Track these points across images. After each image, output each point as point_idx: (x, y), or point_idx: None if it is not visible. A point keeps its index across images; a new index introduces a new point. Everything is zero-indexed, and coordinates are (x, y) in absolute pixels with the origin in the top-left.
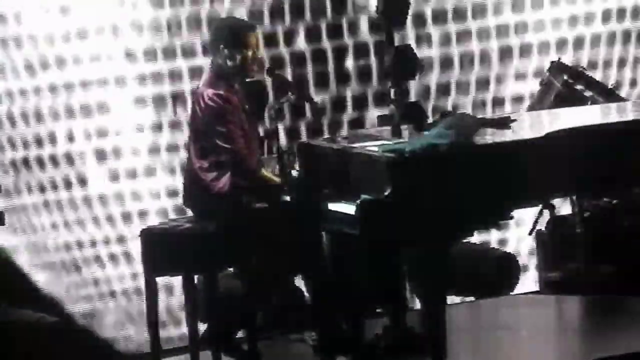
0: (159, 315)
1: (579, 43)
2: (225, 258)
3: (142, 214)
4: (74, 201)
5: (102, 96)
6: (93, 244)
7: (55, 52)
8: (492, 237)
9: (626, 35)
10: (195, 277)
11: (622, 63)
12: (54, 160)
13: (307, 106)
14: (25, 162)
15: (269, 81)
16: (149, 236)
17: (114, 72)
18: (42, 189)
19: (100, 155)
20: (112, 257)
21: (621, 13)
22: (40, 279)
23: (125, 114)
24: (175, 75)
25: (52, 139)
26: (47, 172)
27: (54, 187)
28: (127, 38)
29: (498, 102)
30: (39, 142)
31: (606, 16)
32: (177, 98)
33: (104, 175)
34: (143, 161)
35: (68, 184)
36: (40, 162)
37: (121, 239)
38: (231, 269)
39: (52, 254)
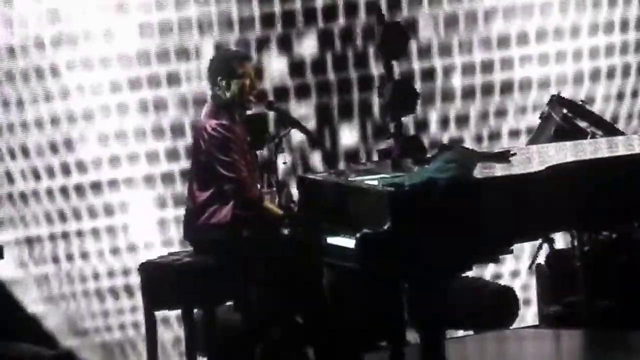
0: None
1: (579, 78)
2: (224, 291)
3: (144, 246)
4: (70, 234)
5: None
6: (94, 277)
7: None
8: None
9: (626, 69)
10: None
11: (620, 97)
12: (50, 193)
13: (306, 139)
14: (22, 195)
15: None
16: (148, 270)
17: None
18: (38, 222)
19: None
20: (112, 290)
21: (624, 48)
22: (39, 312)
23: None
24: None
25: (50, 172)
26: (44, 204)
27: (51, 220)
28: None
29: (497, 136)
30: (35, 175)
31: (610, 51)
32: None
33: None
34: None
35: (64, 217)
36: (37, 194)
37: (121, 272)
38: (230, 303)
39: (51, 287)
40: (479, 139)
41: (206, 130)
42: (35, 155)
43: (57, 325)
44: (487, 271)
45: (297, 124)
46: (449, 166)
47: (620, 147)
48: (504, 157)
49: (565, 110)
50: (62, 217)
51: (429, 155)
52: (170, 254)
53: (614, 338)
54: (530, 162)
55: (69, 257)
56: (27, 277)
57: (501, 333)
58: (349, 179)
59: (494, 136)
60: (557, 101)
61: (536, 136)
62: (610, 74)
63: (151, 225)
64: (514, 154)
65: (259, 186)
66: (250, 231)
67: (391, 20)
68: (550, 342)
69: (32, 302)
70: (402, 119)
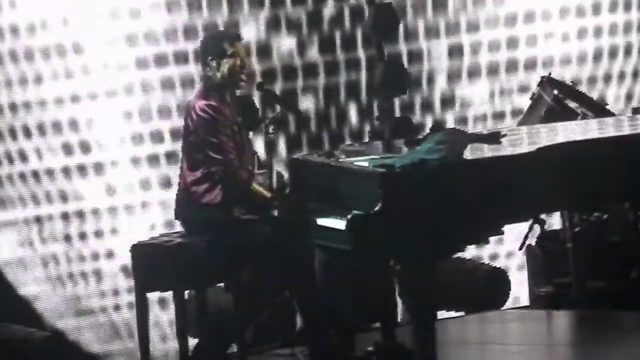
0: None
1: (569, 59)
2: (215, 272)
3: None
4: (64, 215)
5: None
6: (84, 258)
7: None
8: (483, 252)
9: (614, 51)
10: (186, 292)
11: (609, 78)
12: (36, 175)
13: (296, 119)
14: (9, 177)
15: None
16: (139, 251)
17: (102, 84)
18: (25, 204)
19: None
20: (101, 272)
21: (613, 29)
22: (31, 293)
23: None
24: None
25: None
26: (33, 186)
27: (38, 201)
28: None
29: (489, 117)
30: (23, 156)
31: (598, 32)
32: None
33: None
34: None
35: (51, 199)
36: (24, 177)
37: (112, 254)
38: (222, 284)
39: (42, 269)
40: (464, 120)
41: (195, 110)
42: (24, 137)
43: (50, 307)
44: (485, 252)
45: (287, 105)
46: (440, 147)
47: (610, 128)
48: (494, 138)
49: (556, 92)
50: (48, 199)
51: (419, 136)
52: (162, 234)
53: (605, 318)
54: (521, 143)
55: (64, 239)
56: (20, 258)
57: (492, 314)
58: (340, 160)
59: (481, 118)
60: (547, 82)
61: (527, 117)
62: (599, 56)
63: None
64: (505, 135)
65: (251, 167)
66: (241, 211)
67: (382, 2)
68: (541, 323)
69: (24, 283)
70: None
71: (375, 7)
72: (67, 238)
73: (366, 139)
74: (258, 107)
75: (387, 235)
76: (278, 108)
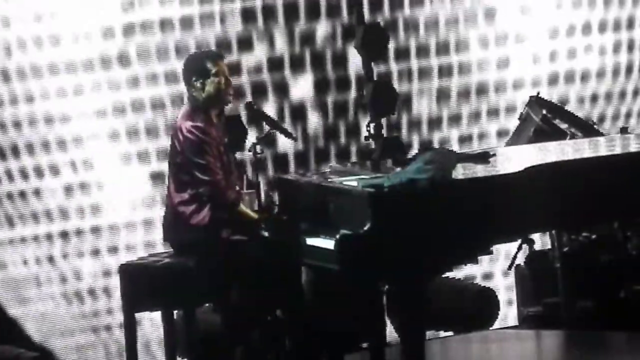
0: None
1: (557, 78)
2: (204, 293)
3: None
4: (53, 235)
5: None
6: (76, 277)
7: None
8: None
9: (602, 71)
10: (175, 312)
11: (596, 98)
12: (23, 194)
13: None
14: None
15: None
16: (127, 271)
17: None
18: (13, 224)
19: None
20: (93, 292)
21: (602, 50)
22: (20, 314)
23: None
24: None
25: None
26: (23, 206)
27: (25, 221)
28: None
29: (477, 137)
30: (9, 176)
31: (587, 50)
32: None
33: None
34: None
35: (41, 218)
36: (11, 196)
37: (104, 273)
38: (210, 304)
39: (32, 289)
40: (459, 140)
41: (181, 131)
42: (12, 156)
43: (38, 326)
44: (478, 270)
45: (276, 125)
46: (428, 167)
47: (599, 147)
48: (483, 158)
49: (544, 111)
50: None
51: (408, 156)
52: (150, 255)
53: (594, 338)
54: (510, 163)
55: (49, 260)
56: (9, 277)
57: (481, 334)
58: (329, 179)
59: (468, 138)
60: (536, 102)
61: (515, 137)
62: (588, 75)
63: (131, 227)
64: (494, 155)
65: (238, 188)
66: (229, 232)
67: (371, 21)
68: (530, 343)
69: (12, 303)
70: (382, 119)
71: (364, 27)
72: (51, 259)
73: (355, 159)
74: (246, 127)
75: (376, 255)
76: (266, 127)
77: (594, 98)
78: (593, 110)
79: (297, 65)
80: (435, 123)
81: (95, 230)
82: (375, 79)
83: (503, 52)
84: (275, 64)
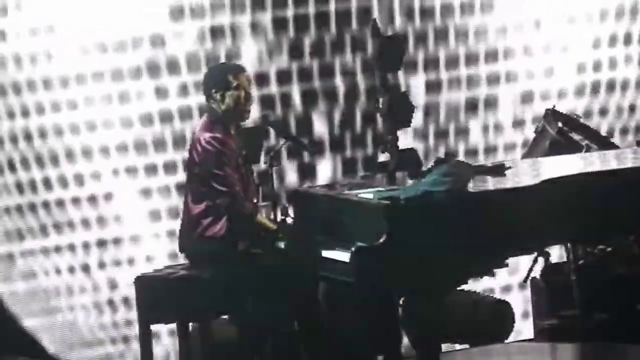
0: None
1: (574, 91)
2: (220, 305)
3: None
4: (57, 248)
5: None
6: (85, 289)
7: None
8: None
9: (624, 84)
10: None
11: (618, 111)
12: (33, 207)
13: (302, 151)
14: (19, 207)
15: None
16: (143, 283)
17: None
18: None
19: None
20: (109, 303)
21: (612, 64)
22: (32, 325)
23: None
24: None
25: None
26: (36, 217)
27: (34, 234)
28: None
29: (493, 149)
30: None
31: (596, 66)
32: None
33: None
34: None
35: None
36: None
37: (116, 285)
38: (226, 316)
39: (44, 301)
40: (475, 152)
41: (200, 143)
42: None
43: (54, 339)
44: (497, 283)
45: (292, 137)
46: (445, 179)
47: (615, 160)
48: (499, 170)
49: (560, 124)
50: (44, 230)
51: (424, 169)
52: (166, 267)
53: (610, 351)
54: (526, 175)
55: (62, 271)
56: (23, 290)
57: (496, 346)
58: (344, 192)
59: (490, 150)
60: (552, 115)
61: (531, 150)
62: (604, 88)
63: (148, 237)
64: (510, 168)
65: (255, 200)
66: (246, 244)
67: (388, 34)
68: (546, 356)
69: (27, 315)
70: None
71: (381, 40)
72: (62, 270)
73: (371, 171)
74: (264, 139)
75: (392, 267)
76: (281, 140)
77: (605, 111)
78: (615, 124)
79: (324, 74)
80: (458, 134)
81: (117, 241)
82: (391, 91)
83: (518, 66)
84: (304, 74)
